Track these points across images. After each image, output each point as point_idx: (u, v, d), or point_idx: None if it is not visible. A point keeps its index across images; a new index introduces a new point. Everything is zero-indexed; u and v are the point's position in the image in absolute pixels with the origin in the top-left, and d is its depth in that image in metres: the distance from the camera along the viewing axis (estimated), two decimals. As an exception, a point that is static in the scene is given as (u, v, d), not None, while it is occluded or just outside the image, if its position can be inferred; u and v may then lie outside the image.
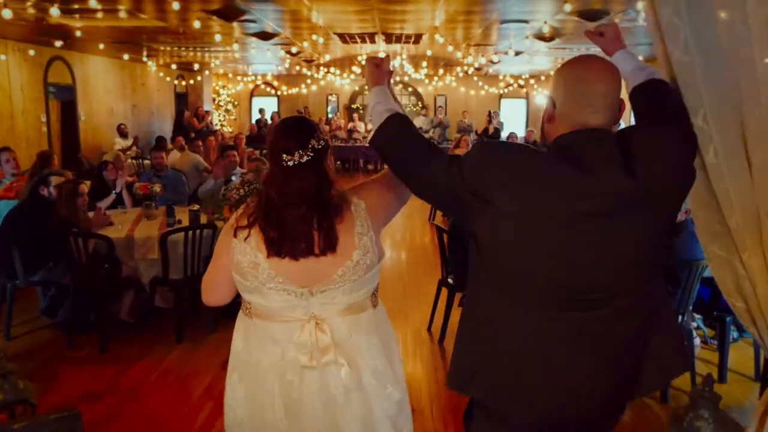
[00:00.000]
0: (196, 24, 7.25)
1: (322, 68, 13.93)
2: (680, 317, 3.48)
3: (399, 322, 4.76)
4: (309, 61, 12.32)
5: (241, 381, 1.74)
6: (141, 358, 4.22)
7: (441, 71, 15.52)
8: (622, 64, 1.68)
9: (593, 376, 1.49)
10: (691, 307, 3.57)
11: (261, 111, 16.40)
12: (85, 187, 4.65)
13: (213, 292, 1.76)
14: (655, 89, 1.64)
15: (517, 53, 10.43)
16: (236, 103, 18.76)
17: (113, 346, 4.37)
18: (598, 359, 1.48)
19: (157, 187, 5.15)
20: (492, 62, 12.04)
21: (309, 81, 17.00)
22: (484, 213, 1.42)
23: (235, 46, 8.79)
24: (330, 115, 18.60)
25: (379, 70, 1.76)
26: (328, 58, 11.53)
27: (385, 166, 1.74)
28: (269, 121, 15.46)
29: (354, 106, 18.88)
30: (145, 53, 11.45)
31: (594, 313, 1.44)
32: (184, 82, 16.36)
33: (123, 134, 11.35)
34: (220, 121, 18.31)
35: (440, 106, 17.25)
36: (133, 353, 4.28)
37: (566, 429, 1.60)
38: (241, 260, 1.64)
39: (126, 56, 11.73)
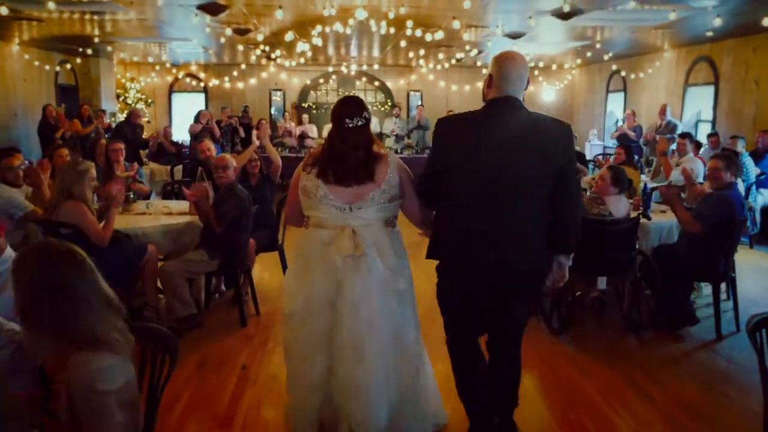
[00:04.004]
0: None
1: (262, 47, 9.73)
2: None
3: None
4: (242, 32, 8.22)
5: (297, 272, 2.62)
6: None
7: (421, 60, 11.70)
8: None
9: (502, 251, 2.45)
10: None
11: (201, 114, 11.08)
12: None
13: (290, 212, 2.71)
14: None
15: (569, 15, 6.69)
16: (150, 101, 14.37)
17: None
18: (506, 240, 2.44)
19: None
20: (514, 36, 8.27)
21: (245, 70, 12.87)
22: (448, 154, 2.50)
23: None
24: (278, 118, 14.44)
25: None
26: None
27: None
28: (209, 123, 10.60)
29: (305, 105, 14.81)
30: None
31: (500, 210, 2.41)
32: (65, 69, 11.92)
33: (-65, 144, 6.93)
34: (127, 124, 13.91)
35: (420, 105, 13.39)
36: None
37: (494, 285, 2.53)
38: (307, 185, 2.56)
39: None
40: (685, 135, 7.12)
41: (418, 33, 7.32)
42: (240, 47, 10.44)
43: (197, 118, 10.11)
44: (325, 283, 2.50)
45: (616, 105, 12.95)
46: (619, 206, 4.39)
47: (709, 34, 8.00)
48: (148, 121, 14.38)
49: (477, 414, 2.70)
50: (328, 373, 2.54)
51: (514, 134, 2.36)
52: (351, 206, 2.50)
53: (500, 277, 2.48)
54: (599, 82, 13.45)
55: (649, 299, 4.57)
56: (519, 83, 2.41)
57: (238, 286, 4.48)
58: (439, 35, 6.84)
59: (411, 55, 10.33)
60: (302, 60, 11.13)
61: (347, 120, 2.51)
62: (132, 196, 5.04)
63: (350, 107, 2.54)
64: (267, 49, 9.06)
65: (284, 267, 5.30)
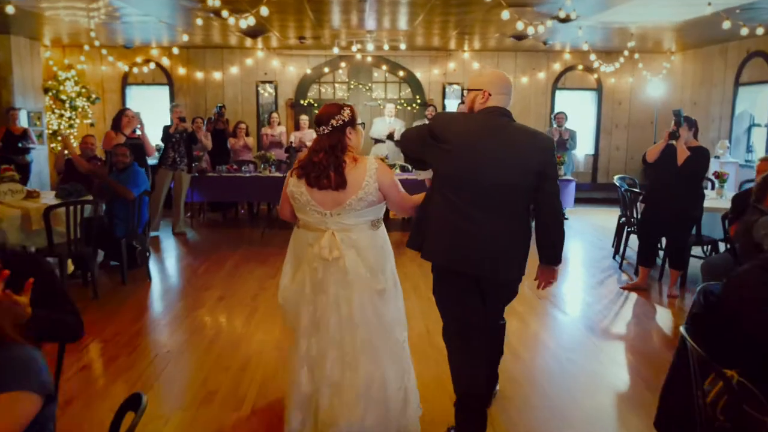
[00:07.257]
0: None
1: (213, 6, 5.78)
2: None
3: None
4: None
5: (290, 266, 2.83)
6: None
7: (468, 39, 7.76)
8: None
9: (480, 244, 2.64)
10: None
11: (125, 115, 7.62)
12: None
13: (282, 210, 2.86)
14: None
15: None
16: (95, 97, 10.62)
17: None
18: (483, 235, 2.63)
19: None
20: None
21: (226, 56, 9.09)
22: (440, 148, 2.67)
23: None
24: (266, 121, 10.56)
25: None
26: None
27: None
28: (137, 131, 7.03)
29: (304, 102, 10.97)
30: None
31: (482, 206, 2.62)
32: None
33: None
34: (59, 130, 10.18)
35: (462, 103, 9.49)
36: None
37: (468, 275, 2.71)
38: (293, 190, 2.72)
39: None
40: None
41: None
42: (217, 22, 6.53)
43: (117, 122, 6.26)
44: (309, 280, 2.70)
45: (750, 103, 8.94)
46: None
47: None
48: (91, 124, 10.66)
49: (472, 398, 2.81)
50: (313, 363, 2.72)
51: (506, 141, 2.66)
52: (331, 212, 2.67)
53: (485, 273, 2.69)
54: (723, 70, 9.42)
55: None
56: (509, 98, 2.76)
57: None
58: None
59: (467, 13, 6.10)
60: (264, 22, 7.21)
61: (317, 128, 2.70)
62: None
63: (320, 115, 2.70)
64: (220, 12, 5.21)
65: None
